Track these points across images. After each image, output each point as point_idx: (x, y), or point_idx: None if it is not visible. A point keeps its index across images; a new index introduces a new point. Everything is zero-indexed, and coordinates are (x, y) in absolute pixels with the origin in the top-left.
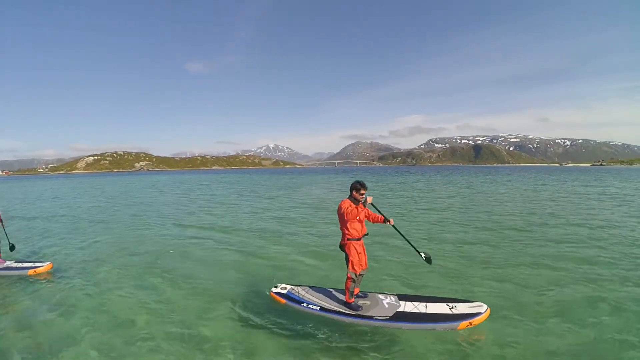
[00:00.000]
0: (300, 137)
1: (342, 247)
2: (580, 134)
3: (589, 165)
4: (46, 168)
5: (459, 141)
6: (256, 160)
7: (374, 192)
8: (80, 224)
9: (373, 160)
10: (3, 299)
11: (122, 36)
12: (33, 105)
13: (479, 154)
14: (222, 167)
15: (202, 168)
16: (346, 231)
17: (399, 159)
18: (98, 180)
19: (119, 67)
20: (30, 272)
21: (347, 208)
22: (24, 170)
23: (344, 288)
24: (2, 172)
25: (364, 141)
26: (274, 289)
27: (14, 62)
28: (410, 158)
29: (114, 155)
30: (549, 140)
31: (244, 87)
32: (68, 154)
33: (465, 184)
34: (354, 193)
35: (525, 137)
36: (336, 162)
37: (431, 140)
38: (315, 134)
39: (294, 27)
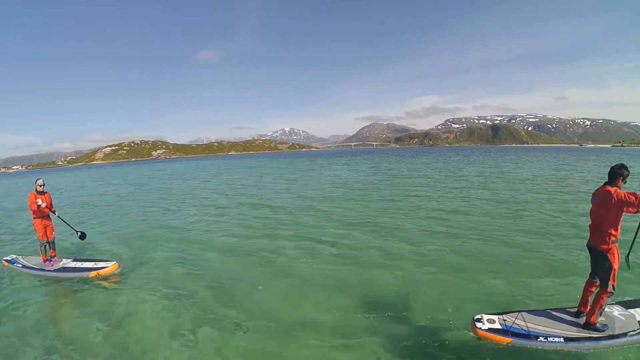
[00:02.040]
0: (316, 120)
1: (603, 252)
2: (600, 114)
3: (609, 146)
4: (65, 161)
5: (477, 121)
6: (272, 145)
7: (400, 172)
8: (130, 213)
9: (390, 142)
10: (60, 312)
11: (132, 27)
12: (47, 99)
13: (497, 134)
14: (239, 152)
15: (219, 154)
16: (613, 231)
17: (416, 140)
18: (122, 170)
19: (131, 58)
20: (93, 274)
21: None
22: (43, 164)
23: (592, 307)
24: (22, 167)
25: (380, 123)
26: (480, 325)
27: (25, 59)
28: (427, 139)
29: (131, 144)
30: (568, 120)
31: (257, 72)
32: (85, 145)
33: (494, 165)
34: (620, 181)
35: (544, 116)
36: (352, 144)
37: (448, 120)
38: (331, 116)
39: (303, 8)
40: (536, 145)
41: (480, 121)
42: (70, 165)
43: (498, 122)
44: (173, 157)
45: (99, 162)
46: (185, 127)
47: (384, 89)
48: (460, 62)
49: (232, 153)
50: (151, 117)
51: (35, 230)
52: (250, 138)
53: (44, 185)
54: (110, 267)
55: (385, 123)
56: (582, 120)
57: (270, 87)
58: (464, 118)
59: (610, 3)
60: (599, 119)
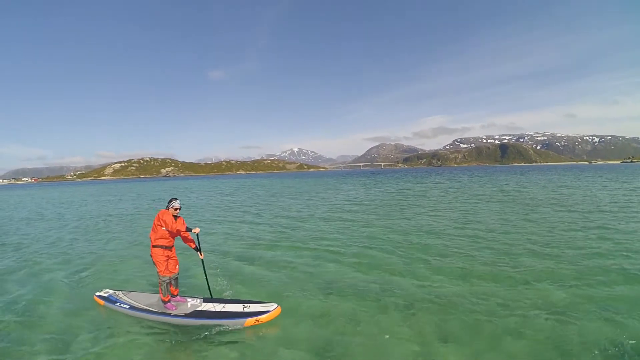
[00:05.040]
0: (325, 140)
1: None
2: (608, 130)
3: (619, 162)
4: (74, 175)
5: (485, 141)
6: (280, 164)
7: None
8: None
9: (398, 162)
10: None
11: (144, 48)
12: (61, 114)
13: (506, 153)
14: (247, 172)
15: (227, 173)
16: None
17: (424, 160)
18: (143, 185)
19: (144, 77)
20: (250, 321)
21: None
22: (52, 177)
23: None
24: (31, 179)
25: (388, 143)
26: None
27: (41, 73)
28: (435, 159)
29: (141, 161)
30: (576, 137)
31: (266, 92)
32: (95, 160)
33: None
34: None
35: (552, 134)
36: (361, 164)
37: (456, 140)
38: (339, 136)
39: (312, 29)
40: (545, 164)
41: (489, 140)
42: (80, 180)
43: (506, 141)
44: (182, 175)
45: (108, 177)
46: (194, 145)
47: (392, 110)
48: (467, 81)
49: (241, 172)
50: (162, 135)
51: (155, 263)
52: (259, 157)
53: (180, 208)
54: (272, 311)
55: (393, 143)
56: (591, 137)
57: (279, 108)
58: (472, 138)
59: (616, 18)
60: (607, 136)
